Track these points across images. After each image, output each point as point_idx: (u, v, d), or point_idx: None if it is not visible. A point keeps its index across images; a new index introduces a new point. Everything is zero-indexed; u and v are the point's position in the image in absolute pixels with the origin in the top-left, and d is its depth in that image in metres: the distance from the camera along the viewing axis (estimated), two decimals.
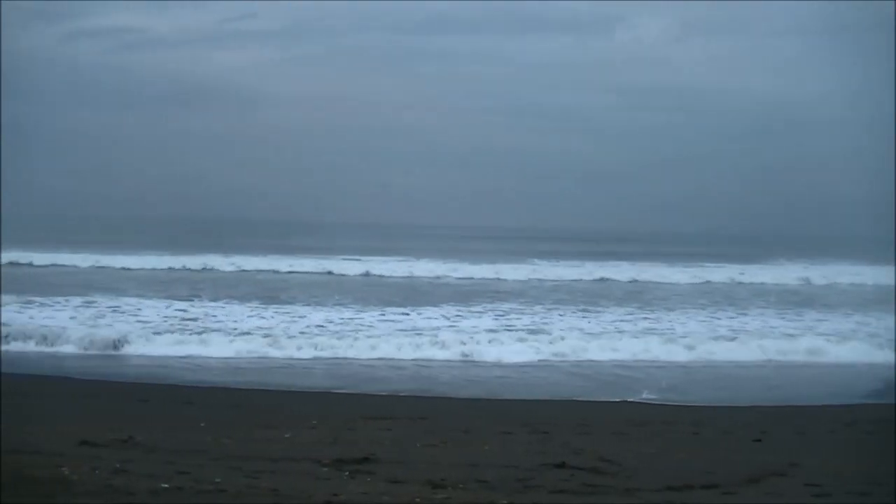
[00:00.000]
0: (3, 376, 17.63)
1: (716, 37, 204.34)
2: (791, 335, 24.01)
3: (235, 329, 23.58)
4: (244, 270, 42.79)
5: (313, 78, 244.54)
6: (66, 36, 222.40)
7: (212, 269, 42.80)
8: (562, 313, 28.15)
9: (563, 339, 22.68)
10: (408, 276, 42.03)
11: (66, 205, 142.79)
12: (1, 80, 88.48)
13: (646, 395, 17.03)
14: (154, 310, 26.70)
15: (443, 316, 27.13)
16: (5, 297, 27.68)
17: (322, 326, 24.52)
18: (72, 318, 24.95)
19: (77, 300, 28.09)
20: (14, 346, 20.70)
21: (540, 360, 20.71)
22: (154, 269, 42.56)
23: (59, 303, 27.45)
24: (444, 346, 21.50)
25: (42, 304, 26.99)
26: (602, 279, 42.05)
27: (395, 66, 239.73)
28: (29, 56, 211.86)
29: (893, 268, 41.42)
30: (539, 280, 41.39)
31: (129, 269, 42.73)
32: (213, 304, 28.57)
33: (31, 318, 24.65)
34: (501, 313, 27.93)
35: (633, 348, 21.91)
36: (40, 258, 44.83)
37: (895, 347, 22.01)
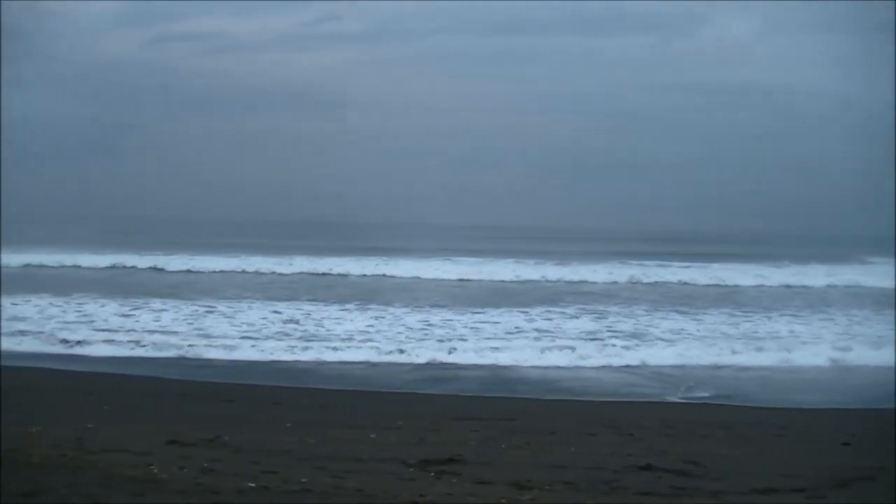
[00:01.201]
0: (96, 376, 18.02)
1: (800, 35, 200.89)
2: (882, 337, 23.41)
3: (331, 332, 23.84)
4: (339, 275, 42.82)
5: (396, 80, 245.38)
6: (153, 40, 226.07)
7: (302, 272, 42.91)
8: (663, 316, 27.84)
9: (661, 341, 22.72)
10: (487, 279, 41.89)
11: (158, 207, 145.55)
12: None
13: (730, 397, 16.79)
14: (253, 312, 26.96)
15: (536, 317, 27.14)
16: (107, 300, 28.47)
17: (412, 329, 24.61)
18: (174, 319, 25.40)
19: (175, 302, 28.66)
20: (111, 347, 21.03)
21: (638, 363, 20.48)
22: (244, 272, 43.02)
23: (152, 306, 27.88)
24: (540, 348, 21.41)
25: (142, 307, 27.43)
26: (683, 282, 41.49)
27: (478, 67, 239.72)
28: (115, 60, 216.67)
29: None
30: (629, 282, 41.03)
31: (223, 271, 43.31)
32: (310, 306, 28.74)
33: (138, 320, 25.30)
34: (598, 315, 27.76)
35: (718, 350, 21.60)
36: (134, 260, 45.76)
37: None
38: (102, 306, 27.45)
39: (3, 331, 22.61)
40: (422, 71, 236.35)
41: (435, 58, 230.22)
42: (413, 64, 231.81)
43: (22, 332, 22.50)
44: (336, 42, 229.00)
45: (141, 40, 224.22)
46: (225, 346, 21.39)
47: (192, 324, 24.95)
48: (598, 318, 27.39)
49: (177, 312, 26.80)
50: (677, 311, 28.86)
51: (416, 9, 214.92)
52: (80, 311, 26.59)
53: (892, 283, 38.54)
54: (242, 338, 22.66)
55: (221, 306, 27.97)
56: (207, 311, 26.97)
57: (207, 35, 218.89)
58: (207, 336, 22.84)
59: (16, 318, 24.78)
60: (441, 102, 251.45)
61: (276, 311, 27.32)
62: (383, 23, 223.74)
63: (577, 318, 27.35)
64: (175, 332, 23.36)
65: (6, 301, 27.71)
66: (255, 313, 26.82)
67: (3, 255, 44.80)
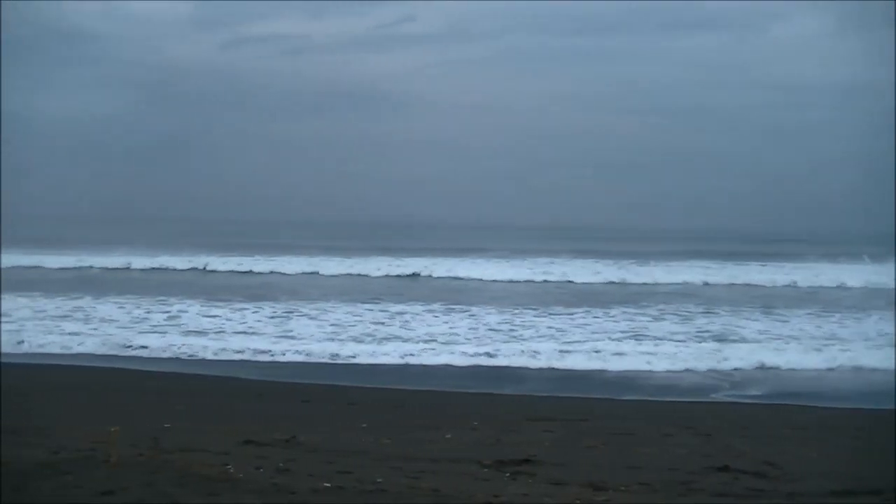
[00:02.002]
0: (174, 375, 18.22)
1: (878, 32, 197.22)
2: None
3: (413, 332, 23.90)
4: (424, 276, 42.88)
5: (470, 80, 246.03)
6: (226, 43, 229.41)
7: (388, 275, 42.95)
8: (746, 316, 27.49)
9: (743, 342, 22.53)
10: (567, 279, 41.73)
11: (234, 209, 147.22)
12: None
13: (808, 398, 16.52)
14: (336, 313, 27.08)
15: (617, 317, 27.02)
16: (188, 301, 28.93)
17: (494, 329, 24.56)
18: (258, 321, 25.61)
19: (259, 303, 28.98)
20: (191, 347, 21.27)
21: (716, 364, 20.23)
22: (322, 274, 43.29)
23: (236, 306, 28.28)
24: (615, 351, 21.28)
25: (224, 308, 27.78)
26: (762, 283, 40.89)
27: (551, 67, 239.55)
28: (190, 63, 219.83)
29: None
30: (708, 282, 40.62)
31: (308, 273, 43.62)
32: (396, 307, 28.81)
33: (228, 320, 25.63)
34: (679, 315, 27.54)
35: (798, 351, 21.28)
36: (214, 262, 46.43)
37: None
38: (187, 307, 27.86)
39: (91, 331, 23.07)
40: (495, 71, 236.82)
41: (508, 58, 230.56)
42: (487, 64, 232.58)
43: (110, 333, 22.86)
44: (410, 43, 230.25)
45: (215, 43, 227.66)
46: (304, 346, 21.46)
47: (275, 324, 25.10)
48: (680, 318, 27.13)
49: (260, 313, 27.05)
50: (760, 312, 28.44)
51: (489, 9, 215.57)
52: (164, 312, 26.98)
53: None
54: (323, 339, 22.73)
55: (305, 307, 28.09)
56: (291, 312, 27.11)
57: (282, 37, 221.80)
58: (289, 337, 22.93)
59: (104, 320, 25.19)
60: (514, 103, 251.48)
61: (359, 312, 27.39)
62: (457, 24, 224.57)
63: (659, 318, 27.11)
64: (257, 333, 23.58)
65: (93, 302, 28.43)
66: (339, 314, 26.90)
67: (90, 258, 45.93)
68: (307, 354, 20.67)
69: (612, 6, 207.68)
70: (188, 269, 44.58)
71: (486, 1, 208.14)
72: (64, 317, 25.78)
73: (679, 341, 22.73)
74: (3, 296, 29.16)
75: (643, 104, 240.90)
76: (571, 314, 27.43)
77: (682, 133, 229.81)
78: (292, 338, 22.77)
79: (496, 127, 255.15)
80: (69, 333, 22.69)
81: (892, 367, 19.76)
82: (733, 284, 40.32)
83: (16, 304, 28.00)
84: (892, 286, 38.32)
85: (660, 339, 23.12)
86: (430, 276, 42.82)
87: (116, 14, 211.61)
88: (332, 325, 24.99)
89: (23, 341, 21.64)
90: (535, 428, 12.79)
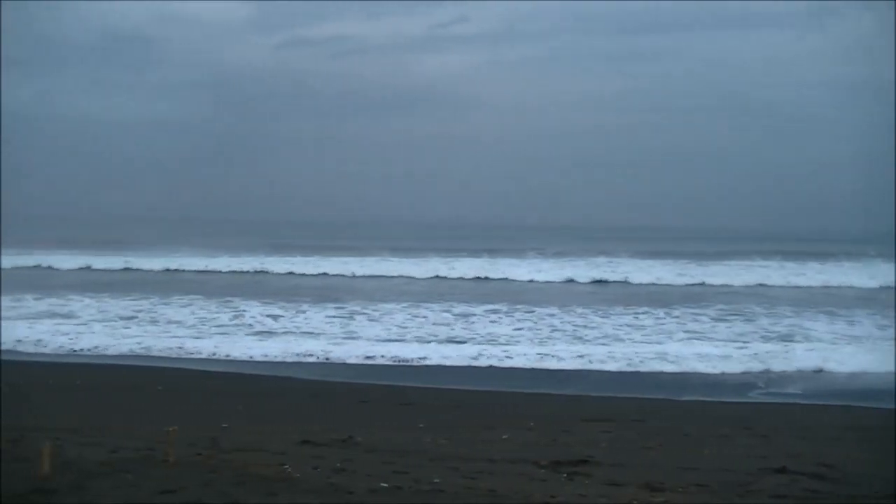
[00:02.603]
0: (232, 376, 18.36)
1: None
2: None
3: (476, 333, 24.03)
4: (489, 278, 42.79)
5: (524, 79, 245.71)
6: (282, 45, 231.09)
7: (447, 277, 43.00)
8: (808, 317, 27.18)
9: (801, 342, 22.49)
10: (628, 280, 41.59)
11: (292, 210, 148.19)
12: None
13: (868, 400, 16.31)
14: (400, 314, 27.19)
15: (678, 318, 26.97)
16: (248, 302, 29.31)
17: (558, 329, 24.59)
18: (328, 322, 25.77)
19: (320, 305, 29.21)
20: (252, 348, 21.45)
21: (775, 365, 20.02)
22: (385, 276, 43.31)
23: (299, 307, 28.49)
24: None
25: (285, 309, 28.04)
26: (826, 283, 40.50)
27: (608, 66, 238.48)
28: (246, 66, 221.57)
29: None
30: (766, 283, 40.24)
31: (375, 276, 43.59)
32: (461, 307, 28.94)
33: (303, 321, 25.84)
34: (740, 316, 27.41)
35: (859, 352, 21.03)
36: (276, 264, 47.01)
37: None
38: (254, 308, 28.13)
39: (155, 332, 23.47)
40: (550, 71, 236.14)
41: (561, 57, 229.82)
42: (539, 64, 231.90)
43: (175, 335, 23.17)
44: (464, 44, 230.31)
45: (272, 45, 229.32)
46: (364, 347, 21.57)
47: (337, 325, 25.27)
48: (740, 318, 26.97)
49: (322, 313, 27.25)
50: (821, 312, 28.11)
51: (543, 9, 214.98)
52: (231, 312, 27.29)
53: None
54: (384, 339, 22.85)
55: (368, 308, 28.29)
56: (354, 313, 27.28)
57: (337, 38, 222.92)
58: (350, 338, 23.09)
59: (171, 322, 25.52)
60: (569, 103, 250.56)
61: (423, 313, 27.49)
62: (511, 24, 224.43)
63: (718, 318, 26.94)
64: (318, 333, 23.76)
65: (160, 301, 29.15)
66: (401, 315, 27.00)
67: (151, 260, 46.54)
68: (366, 355, 20.71)
69: (669, 6, 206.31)
70: (251, 271, 45.16)
71: (539, 1, 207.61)
72: (130, 318, 26.19)
73: (738, 341, 22.61)
74: (72, 296, 29.66)
75: (696, 103, 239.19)
76: (630, 314, 27.37)
77: (735, 132, 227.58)
78: (352, 338, 22.92)
79: (549, 126, 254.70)
80: (132, 335, 23.02)
81: None
82: (793, 284, 39.93)
83: (82, 304, 28.48)
84: None
85: (718, 339, 23.00)
86: (486, 277, 42.80)
87: (174, 17, 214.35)
88: (394, 325, 25.11)
89: (96, 344, 21.95)
90: (592, 428, 12.76)
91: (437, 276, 42.93)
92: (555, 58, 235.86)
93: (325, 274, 44.20)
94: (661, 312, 27.76)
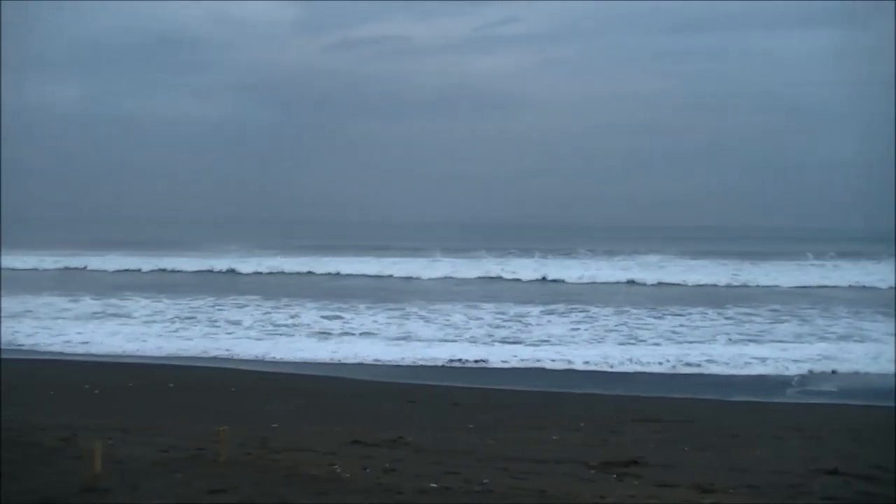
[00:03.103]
0: (283, 376, 18.45)
1: None
2: None
3: (529, 334, 23.99)
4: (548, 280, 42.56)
5: (572, 80, 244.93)
6: (331, 46, 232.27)
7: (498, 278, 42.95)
8: (863, 317, 26.91)
9: (860, 342, 22.23)
10: (678, 281, 41.42)
11: (346, 210, 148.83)
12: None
13: None
14: (456, 315, 27.22)
15: (730, 318, 26.88)
16: (303, 302, 29.65)
17: (612, 330, 24.58)
18: (375, 323, 25.84)
19: (382, 304, 29.52)
20: (314, 350, 21.55)
21: (822, 367, 19.81)
22: (438, 278, 43.44)
23: (357, 308, 28.71)
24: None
25: (347, 310, 28.23)
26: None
27: (654, 65, 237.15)
28: (293, 67, 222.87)
29: None
30: (823, 283, 39.82)
31: (432, 279, 43.60)
32: (517, 308, 28.96)
33: (357, 322, 25.96)
34: (794, 316, 27.20)
35: None
36: (322, 265, 47.22)
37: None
38: (309, 309, 28.31)
39: (214, 333, 23.75)
40: (597, 70, 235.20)
41: (612, 57, 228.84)
42: (588, 63, 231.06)
43: (230, 335, 23.45)
44: (513, 44, 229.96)
45: (319, 46, 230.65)
46: (418, 348, 21.61)
47: (393, 325, 25.36)
48: (793, 318, 26.77)
49: (376, 314, 27.41)
50: (876, 312, 27.84)
51: (592, 9, 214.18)
52: (286, 313, 27.51)
53: None
54: (437, 340, 22.88)
55: (424, 309, 28.43)
56: (410, 314, 27.37)
57: (385, 39, 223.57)
58: (404, 338, 23.17)
59: (231, 322, 25.78)
60: (615, 101, 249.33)
61: (477, 314, 27.55)
62: (560, 23, 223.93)
63: (771, 319, 26.79)
64: (372, 334, 23.91)
65: (216, 302, 29.65)
66: (458, 316, 27.01)
67: (211, 261, 47.00)
68: (419, 356, 20.71)
69: (716, 4, 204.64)
70: (304, 272, 45.32)
71: (588, 1, 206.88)
72: (187, 318, 26.48)
73: (790, 342, 22.39)
74: (131, 297, 30.03)
75: (746, 102, 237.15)
76: (683, 315, 27.26)
77: (779, 130, 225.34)
78: (406, 339, 22.98)
79: (598, 125, 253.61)
80: (188, 336, 23.29)
81: None
82: (847, 283, 39.53)
83: (138, 304, 28.83)
84: None
85: (771, 339, 22.83)
86: (543, 278, 42.62)
87: (222, 19, 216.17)
88: (449, 326, 25.16)
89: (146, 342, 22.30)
90: (642, 429, 12.71)
91: (492, 277, 42.91)
92: (602, 57, 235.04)
93: (383, 276, 44.15)
94: (713, 312, 27.63)
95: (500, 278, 42.68)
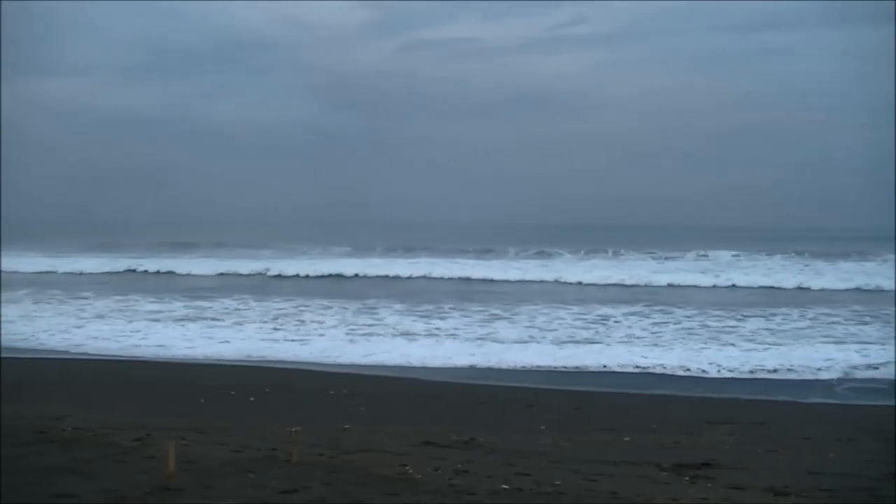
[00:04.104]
0: (354, 377, 18.55)
1: None
2: None
3: (606, 335, 24.02)
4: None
5: (643, 79, 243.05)
6: (404, 48, 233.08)
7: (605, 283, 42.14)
8: None
9: None
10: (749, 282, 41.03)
11: (420, 211, 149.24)
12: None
13: None
14: (540, 317, 27.25)
15: (807, 319, 26.77)
16: (387, 304, 30.01)
17: (692, 331, 24.48)
18: (454, 324, 25.98)
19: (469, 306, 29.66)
20: (398, 351, 21.69)
21: None
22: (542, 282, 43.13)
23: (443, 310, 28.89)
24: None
25: (428, 312, 28.33)
26: None
27: (728, 64, 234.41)
28: (366, 69, 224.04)
29: None
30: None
31: (524, 281, 43.32)
32: (604, 309, 29.01)
33: (441, 323, 26.11)
34: (879, 318, 26.88)
35: None
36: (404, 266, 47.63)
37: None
38: (394, 312, 28.49)
39: (297, 336, 23.97)
40: (670, 70, 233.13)
41: (680, 56, 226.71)
42: (660, 63, 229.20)
43: (310, 337, 23.67)
44: (583, 44, 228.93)
45: (391, 47, 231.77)
46: (494, 349, 21.63)
47: (475, 326, 25.46)
48: (875, 319, 26.49)
49: (459, 316, 27.52)
50: None
51: (662, 8, 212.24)
52: (370, 314, 27.81)
53: None
54: (516, 341, 22.85)
55: (506, 311, 28.45)
56: (493, 316, 27.47)
57: (456, 40, 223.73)
58: (483, 339, 23.21)
59: (314, 322, 26.04)
60: (686, 101, 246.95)
61: (560, 316, 27.51)
62: (630, 23, 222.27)
63: (852, 319, 26.55)
64: (452, 335, 23.98)
65: (302, 304, 29.90)
66: (542, 318, 27.00)
67: (282, 262, 47.50)
68: (497, 358, 20.65)
69: (791, 5, 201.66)
70: (388, 276, 45.18)
71: (658, 1, 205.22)
72: (275, 319, 26.85)
73: (869, 343, 22.04)
74: (219, 299, 30.79)
75: (819, 101, 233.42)
76: (765, 316, 27.09)
77: (869, 129, 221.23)
78: (486, 340, 22.97)
79: (670, 126, 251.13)
80: (272, 338, 23.59)
81: None
82: None
83: (223, 305, 29.24)
84: None
85: (850, 341, 22.50)
86: (621, 282, 41.95)
87: (295, 22, 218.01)
88: (532, 328, 25.12)
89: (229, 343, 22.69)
90: (715, 431, 12.64)
91: (567, 282, 42.47)
92: (674, 56, 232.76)
93: (469, 278, 43.86)
94: (795, 314, 27.34)
95: (581, 283, 42.11)
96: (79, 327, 24.90)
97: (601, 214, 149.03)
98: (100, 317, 27.02)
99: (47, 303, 30.50)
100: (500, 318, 27.05)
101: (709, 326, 25.18)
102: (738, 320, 26.35)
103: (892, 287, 36.78)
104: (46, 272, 45.62)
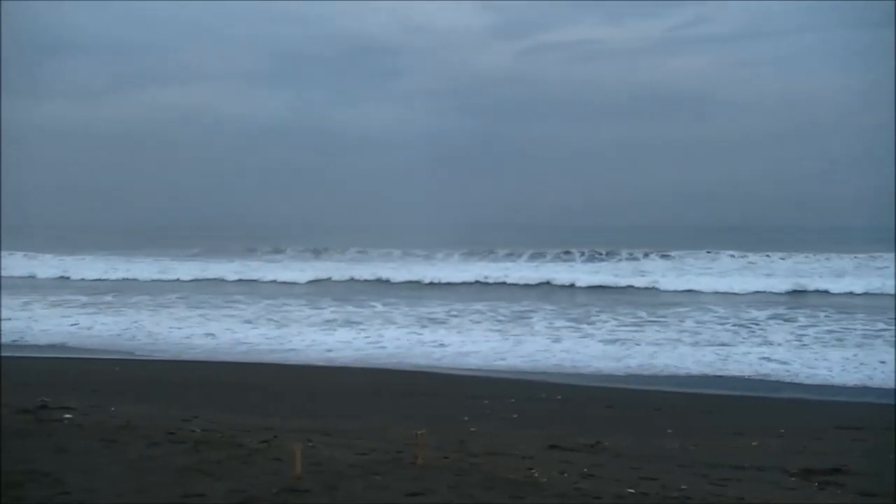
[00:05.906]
0: (476, 379, 18.66)
1: None
2: None
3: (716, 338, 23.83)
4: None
5: (769, 79, 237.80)
6: (526, 51, 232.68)
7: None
8: None
9: None
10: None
11: (535, 214, 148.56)
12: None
13: None
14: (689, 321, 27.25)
15: None
16: (542, 306, 30.17)
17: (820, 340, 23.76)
18: (553, 325, 26.07)
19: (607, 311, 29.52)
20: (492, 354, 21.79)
21: None
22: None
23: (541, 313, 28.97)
24: None
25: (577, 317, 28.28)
26: None
27: (858, 62, 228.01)
28: (490, 72, 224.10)
29: None
30: None
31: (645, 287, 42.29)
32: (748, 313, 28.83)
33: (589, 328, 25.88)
34: None
35: None
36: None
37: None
38: (543, 314, 28.65)
39: (404, 335, 24.42)
40: (795, 69, 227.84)
41: (810, 55, 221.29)
42: (785, 63, 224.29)
43: (441, 341, 23.74)
44: (706, 44, 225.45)
45: (514, 51, 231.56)
46: (630, 353, 21.66)
47: (618, 331, 25.28)
48: None
49: (607, 320, 27.44)
50: None
51: (785, 7, 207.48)
52: (520, 320, 27.84)
53: None
54: (655, 343, 22.92)
55: (652, 316, 28.40)
56: (641, 321, 27.35)
57: (578, 43, 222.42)
58: (618, 342, 23.26)
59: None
60: (818, 101, 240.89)
61: (707, 318, 27.53)
62: (753, 22, 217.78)
63: None
64: (589, 336, 24.06)
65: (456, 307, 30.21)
66: (689, 322, 26.94)
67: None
68: (630, 362, 20.61)
69: None
70: (541, 283, 44.09)
71: (774, 1, 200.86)
72: (426, 325, 26.87)
73: None
74: (370, 303, 31.28)
75: None
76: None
77: None
78: (622, 343, 22.96)
79: (799, 127, 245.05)
80: (426, 340, 23.85)
81: None
82: None
83: (373, 311, 29.70)
84: None
85: None
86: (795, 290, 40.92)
87: (417, 27, 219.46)
88: (684, 332, 24.99)
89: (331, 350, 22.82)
90: (844, 436, 12.44)
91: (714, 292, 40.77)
92: (802, 55, 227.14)
93: (631, 287, 41.90)
94: None
95: (729, 292, 40.85)
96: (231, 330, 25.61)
97: (733, 215, 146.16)
98: (248, 322, 27.39)
99: (198, 307, 31.30)
100: (647, 321, 27.06)
101: (855, 331, 24.65)
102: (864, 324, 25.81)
103: None
104: (198, 279, 45.99)
